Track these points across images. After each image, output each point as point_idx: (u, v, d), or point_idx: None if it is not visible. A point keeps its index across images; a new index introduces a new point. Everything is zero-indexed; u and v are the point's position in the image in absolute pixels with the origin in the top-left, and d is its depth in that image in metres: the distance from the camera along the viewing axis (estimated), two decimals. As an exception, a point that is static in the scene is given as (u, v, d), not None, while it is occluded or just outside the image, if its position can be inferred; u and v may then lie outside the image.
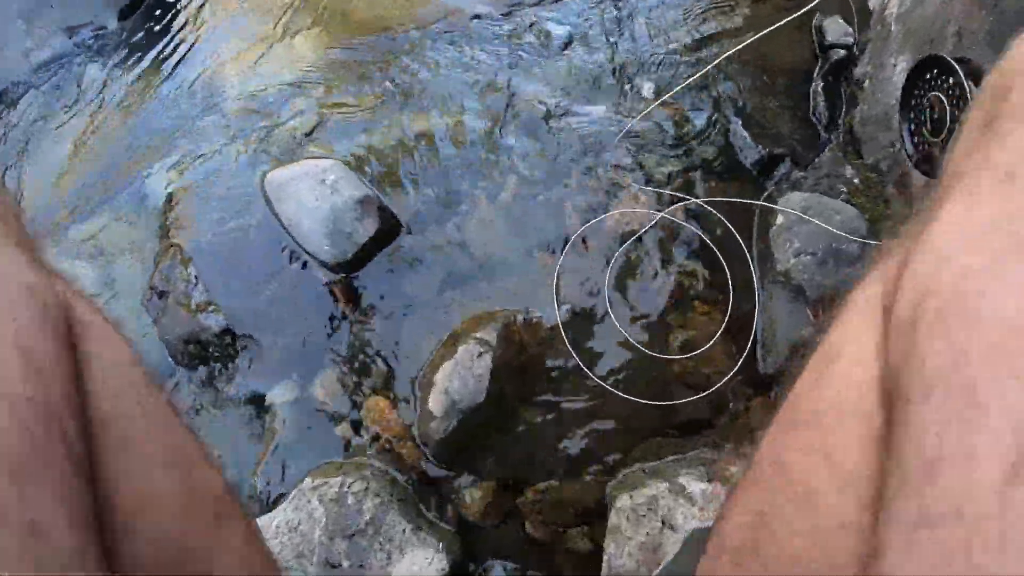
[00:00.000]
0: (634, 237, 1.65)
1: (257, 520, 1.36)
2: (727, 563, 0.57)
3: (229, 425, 1.65)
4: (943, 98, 1.04)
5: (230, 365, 1.72)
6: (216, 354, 1.73)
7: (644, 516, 1.22)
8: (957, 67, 0.98)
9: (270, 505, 1.49)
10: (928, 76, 1.07)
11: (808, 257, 1.57)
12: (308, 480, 1.39)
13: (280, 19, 2.30)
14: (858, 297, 0.51)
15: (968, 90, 0.96)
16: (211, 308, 1.77)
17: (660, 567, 1.14)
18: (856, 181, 1.76)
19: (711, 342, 1.52)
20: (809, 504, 0.48)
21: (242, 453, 1.60)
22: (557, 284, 1.61)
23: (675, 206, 1.69)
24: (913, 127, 1.12)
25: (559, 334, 1.53)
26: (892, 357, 0.41)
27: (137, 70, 2.35)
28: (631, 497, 1.25)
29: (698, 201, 1.69)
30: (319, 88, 2.08)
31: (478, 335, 1.45)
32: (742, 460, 1.34)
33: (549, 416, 1.48)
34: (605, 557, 1.22)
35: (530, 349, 1.51)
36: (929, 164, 1.11)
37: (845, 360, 0.49)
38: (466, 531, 1.41)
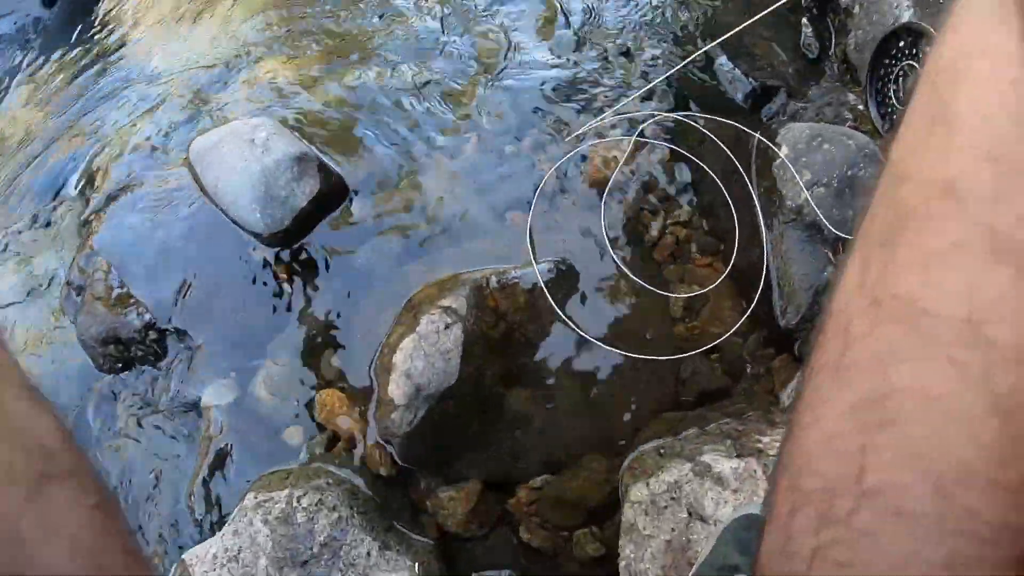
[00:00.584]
0: (618, 167, 1.43)
1: (192, 551, 1.11)
2: (808, 523, 0.30)
3: (158, 437, 1.40)
4: (917, 67, 0.94)
5: (158, 366, 1.46)
6: (139, 354, 1.47)
7: (666, 507, 0.98)
8: (934, 32, 0.87)
9: (211, 530, 1.24)
10: (901, 44, 0.97)
11: (822, 189, 1.37)
12: (251, 496, 1.13)
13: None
14: None
15: None
16: (132, 301, 1.50)
17: (694, 568, 0.90)
18: (861, 108, 1.64)
19: (716, 282, 1.31)
20: (977, 359, 0.27)
21: (175, 469, 1.35)
22: (532, 237, 1.37)
23: (651, 120, 1.49)
24: (880, 98, 1.03)
25: (542, 295, 1.28)
26: None
27: (64, 56, 2.19)
28: (648, 485, 1.01)
29: (676, 115, 1.51)
30: (251, 52, 1.87)
31: (443, 303, 1.19)
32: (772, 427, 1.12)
33: (539, 396, 1.25)
34: (622, 563, 0.99)
35: (509, 317, 1.26)
36: None
37: (977, 80, 0.31)
38: (448, 544, 1.18)
